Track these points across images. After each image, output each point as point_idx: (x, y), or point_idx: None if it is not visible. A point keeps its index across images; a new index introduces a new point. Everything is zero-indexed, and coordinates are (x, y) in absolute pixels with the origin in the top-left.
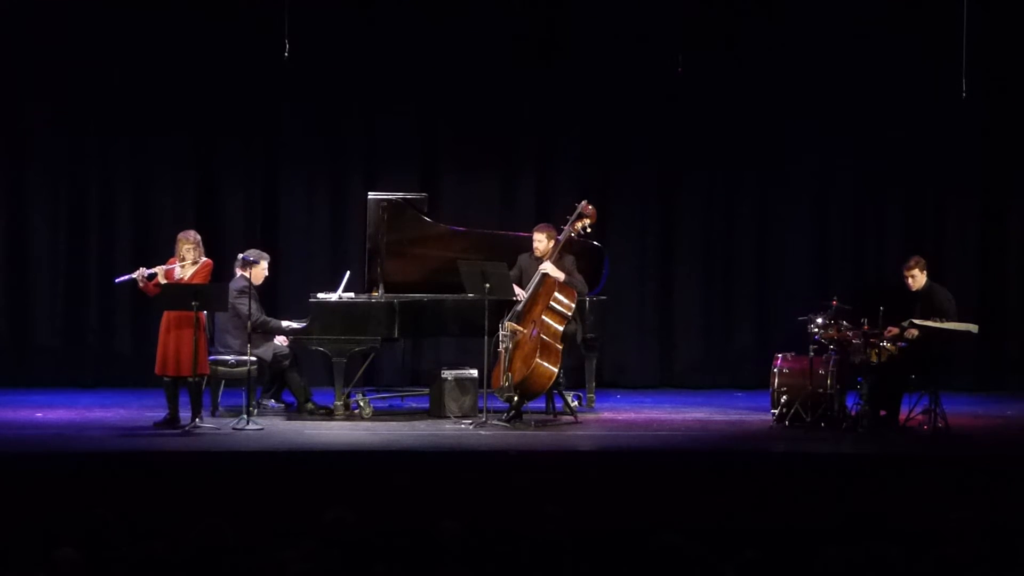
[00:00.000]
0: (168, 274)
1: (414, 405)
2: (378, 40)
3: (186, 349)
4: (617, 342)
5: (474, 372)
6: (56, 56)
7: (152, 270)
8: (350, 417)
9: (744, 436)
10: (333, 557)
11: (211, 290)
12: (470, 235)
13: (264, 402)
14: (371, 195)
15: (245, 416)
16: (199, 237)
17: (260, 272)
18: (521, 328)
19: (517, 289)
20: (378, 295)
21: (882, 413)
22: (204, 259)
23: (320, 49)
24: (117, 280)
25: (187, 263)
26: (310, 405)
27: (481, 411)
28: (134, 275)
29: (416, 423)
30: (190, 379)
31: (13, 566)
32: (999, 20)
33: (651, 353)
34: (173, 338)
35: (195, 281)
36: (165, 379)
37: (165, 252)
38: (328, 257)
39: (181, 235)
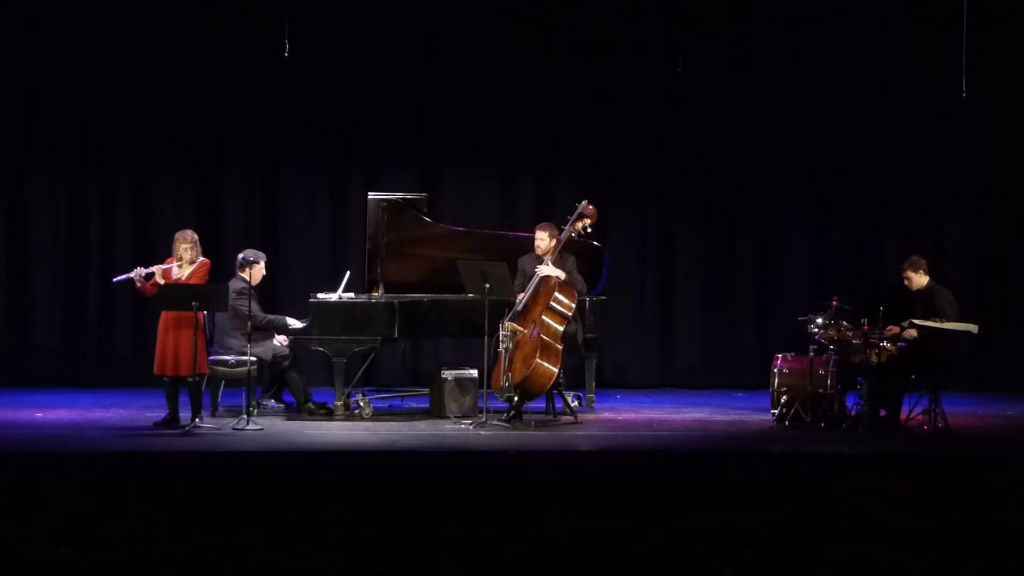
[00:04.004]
0: (165, 274)
1: (414, 405)
2: (378, 40)
3: (185, 349)
4: (617, 342)
5: (474, 372)
6: (56, 56)
7: (149, 269)
8: (350, 417)
9: (744, 436)
10: (333, 557)
11: (211, 290)
12: (470, 235)
13: (264, 402)
14: (371, 195)
15: (245, 416)
16: (196, 236)
17: (258, 272)
18: (521, 328)
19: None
20: (378, 295)
21: (882, 413)
22: (201, 259)
23: (320, 49)
24: (115, 280)
25: (184, 263)
26: (310, 405)
27: (481, 411)
28: (131, 275)
29: (416, 423)
30: (189, 379)
31: (14, 566)
32: (999, 20)
33: (651, 353)
34: (171, 338)
35: (192, 281)
36: (164, 379)
37: (165, 252)
38: (328, 257)
39: (178, 235)
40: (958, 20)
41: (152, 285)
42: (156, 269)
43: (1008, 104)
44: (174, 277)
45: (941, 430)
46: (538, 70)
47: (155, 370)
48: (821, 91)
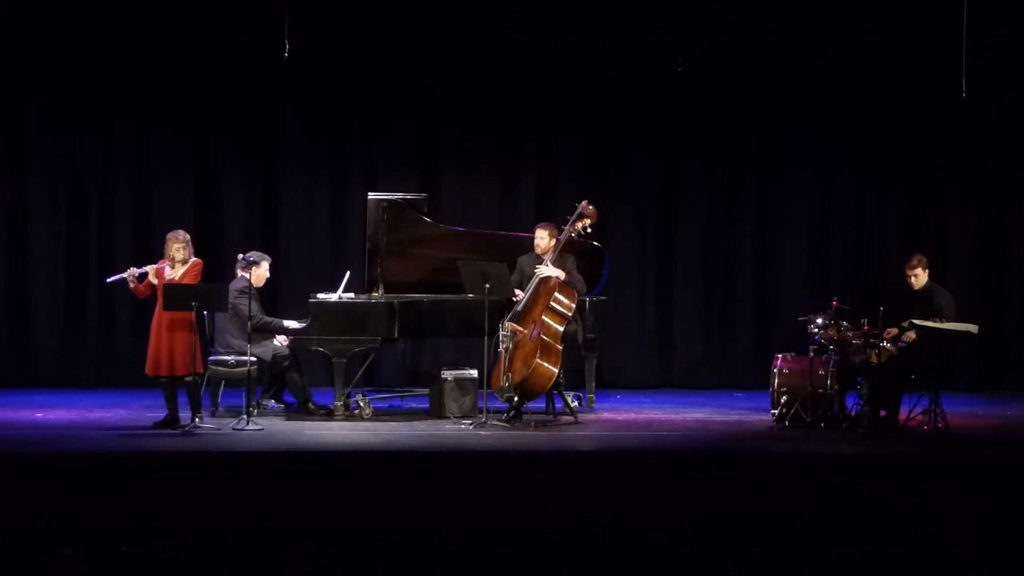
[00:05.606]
0: (158, 274)
1: (414, 405)
2: (378, 41)
3: (180, 349)
4: (617, 342)
5: (474, 372)
6: (56, 56)
7: (143, 270)
8: (350, 417)
9: (744, 436)
10: (333, 557)
11: (211, 290)
12: (470, 235)
13: (264, 402)
14: (371, 195)
15: (245, 416)
16: (188, 237)
17: (261, 274)
18: (521, 328)
19: (516, 291)
20: (378, 295)
21: (882, 413)
22: (194, 259)
23: (320, 50)
24: (108, 280)
25: (177, 263)
26: (310, 405)
27: (481, 411)
28: (125, 275)
29: (416, 423)
30: (187, 379)
31: (13, 566)
32: (999, 20)
33: (651, 353)
34: (166, 338)
35: (185, 281)
36: (162, 379)
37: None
38: (328, 257)
39: (170, 235)
40: (958, 20)
41: (145, 286)
42: (149, 269)
43: (1008, 104)
44: (167, 277)
45: (941, 430)
46: (538, 70)
47: (147, 371)
48: (821, 91)
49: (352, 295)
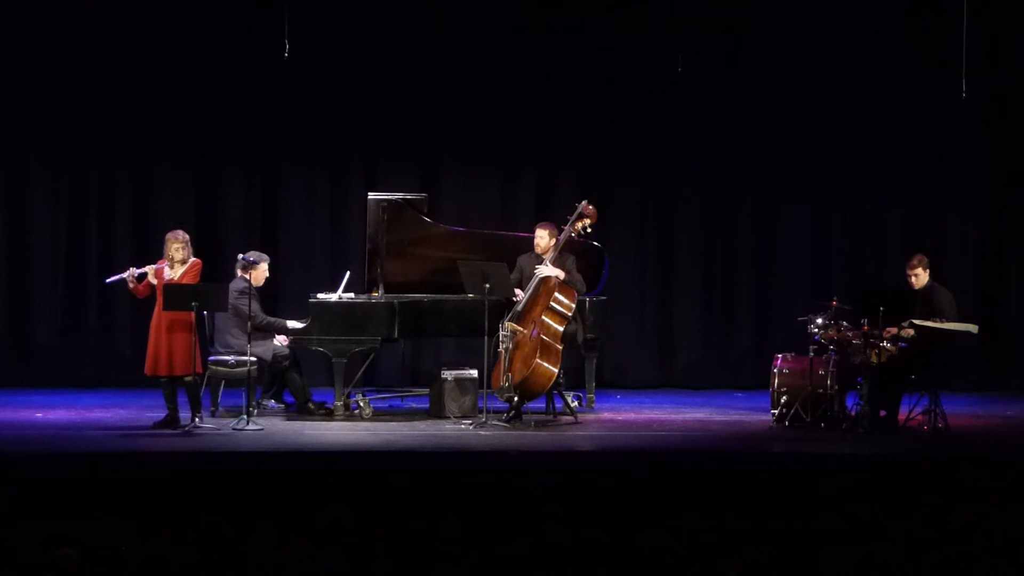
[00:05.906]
0: (158, 274)
1: (414, 405)
2: (378, 40)
3: (179, 349)
4: (617, 342)
5: (474, 372)
6: (56, 56)
7: (142, 270)
8: (350, 417)
9: (744, 436)
10: (333, 557)
11: (212, 290)
12: (470, 235)
13: (264, 402)
14: (371, 195)
15: (245, 416)
16: (187, 237)
17: (260, 274)
18: (521, 328)
19: (516, 291)
20: (378, 295)
21: (882, 413)
22: (193, 259)
23: (320, 49)
24: (108, 281)
25: (176, 263)
26: (310, 405)
27: (481, 411)
28: (124, 275)
29: (416, 423)
30: (186, 379)
31: (13, 566)
32: (999, 21)
33: (651, 353)
34: (165, 338)
35: (184, 281)
36: (162, 379)
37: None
38: (328, 257)
39: (170, 235)
40: (959, 21)
41: (145, 286)
42: (149, 270)
43: (1008, 104)
44: (166, 277)
45: (941, 430)
46: (538, 70)
47: (146, 371)
48: (821, 91)
49: (352, 295)
